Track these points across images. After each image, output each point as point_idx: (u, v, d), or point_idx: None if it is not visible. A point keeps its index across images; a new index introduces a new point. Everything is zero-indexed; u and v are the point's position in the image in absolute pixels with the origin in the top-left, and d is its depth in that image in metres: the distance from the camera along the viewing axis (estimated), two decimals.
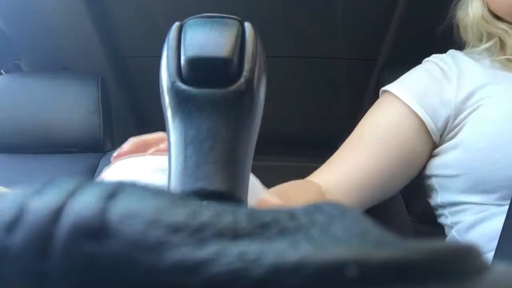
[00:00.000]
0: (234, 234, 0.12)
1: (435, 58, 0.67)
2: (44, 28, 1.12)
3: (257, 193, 0.35)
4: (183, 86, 0.22)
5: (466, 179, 0.58)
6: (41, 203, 0.12)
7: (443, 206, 0.64)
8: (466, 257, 0.12)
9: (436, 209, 0.67)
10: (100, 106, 0.99)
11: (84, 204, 0.12)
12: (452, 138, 0.60)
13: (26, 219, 0.12)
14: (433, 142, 0.62)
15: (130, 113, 1.37)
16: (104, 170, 0.36)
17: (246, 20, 0.24)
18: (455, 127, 0.60)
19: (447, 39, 0.71)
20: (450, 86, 0.61)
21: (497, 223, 0.55)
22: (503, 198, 0.55)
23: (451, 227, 0.63)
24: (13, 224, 0.12)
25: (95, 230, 0.11)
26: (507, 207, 0.54)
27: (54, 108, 0.98)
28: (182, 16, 0.26)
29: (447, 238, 0.65)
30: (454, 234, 0.62)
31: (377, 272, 0.11)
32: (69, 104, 0.98)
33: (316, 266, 0.11)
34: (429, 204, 0.68)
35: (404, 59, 0.71)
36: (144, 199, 0.12)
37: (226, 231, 0.12)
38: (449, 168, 0.60)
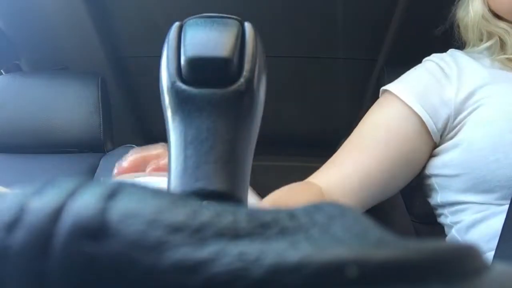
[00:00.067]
0: (234, 234, 0.12)
1: (435, 57, 0.67)
2: (44, 28, 1.12)
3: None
4: (183, 86, 0.22)
5: (466, 178, 0.58)
6: (41, 203, 0.12)
7: (443, 205, 0.64)
8: (466, 257, 0.12)
9: (436, 209, 0.67)
10: (100, 106, 0.99)
11: (84, 204, 0.12)
12: (452, 137, 0.60)
13: (26, 219, 0.12)
14: (433, 142, 0.62)
15: (130, 113, 1.37)
16: None
17: (246, 20, 0.24)
18: (455, 127, 0.60)
19: (447, 38, 0.71)
20: (450, 86, 0.61)
21: (497, 222, 0.55)
22: (503, 198, 0.55)
23: (451, 226, 0.63)
24: (13, 224, 0.12)
25: (95, 230, 0.11)
26: (507, 206, 0.54)
27: (54, 108, 0.98)
28: (182, 16, 0.26)
29: (447, 238, 0.65)
30: (454, 234, 0.62)
31: (377, 272, 0.11)
32: (69, 104, 0.98)
33: (316, 266, 0.11)
34: (429, 204, 0.68)
35: (404, 59, 0.71)
36: (144, 199, 0.12)
37: (226, 231, 0.12)
38: (449, 167, 0.60)
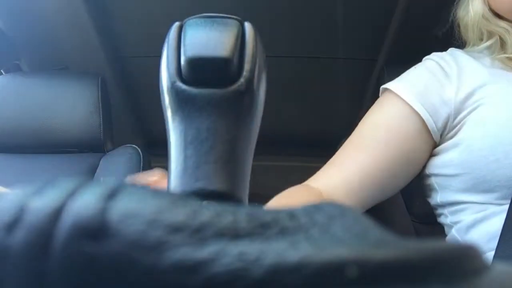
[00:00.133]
0: (234, 234, 0.12)
1: (435, 56, 0.66)
2: (44, 28, 1.12)
3: None
4: (183, 86, 0.22)
5: (466, 178, 0.58)
6: (41, 203, 0.12)
7: (443, 205, 0.64)
8: (466, 257, 0.12)
9: (436, 209, 0.67)
10: (100, 106, 0.99)
11: (84, 204, 0.12)
12: (452, 137, 0.60)
13: (26, 219, 0.12)
14: (434, 141, 0.62)
15: (130, 113, 1.37)
16: None
17: (246, 20, 0.24)
18: (455, 126, 0.60)
19: (447, 38, 0.71)
20: (450, 85, 0.61)
21: (497, 222, 0.55)
22: (503, 198, 0.55)
23: (451, 226, 0.63)
24: (13, 224, 0.12)
25: (95, 230, 0.11)
26: (507, 206, 0.54)
27: (54, 108, 0.98)
28: (182, 16, 0.26)
29: (447, 238, 0.65)
30: (454, 234, 0.62)
31: (377, 272, 0.11)
32: (69, 104, 0.98)
33: (316, 266, 0.11)
34: (429, 204, 0.68)
35: (404, 59, 0.71)
36: (144, 199, 0.12)
37: (226, 231, 0.12)
38: (449, 167, 0.60)
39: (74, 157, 0.98)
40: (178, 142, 0.23)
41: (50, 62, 1.18)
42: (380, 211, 0.68)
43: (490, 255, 0.54)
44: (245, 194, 0.23)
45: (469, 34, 0.66)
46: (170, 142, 0.23)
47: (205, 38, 0.22)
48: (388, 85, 0.65)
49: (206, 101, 0.22)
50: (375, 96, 0.69)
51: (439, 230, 0.67)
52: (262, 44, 0.25)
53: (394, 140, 0.61)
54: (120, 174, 0.91)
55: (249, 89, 0.23)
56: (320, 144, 1.25)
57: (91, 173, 0.94)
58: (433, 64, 0.65)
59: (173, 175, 0.22)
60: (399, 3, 1.01)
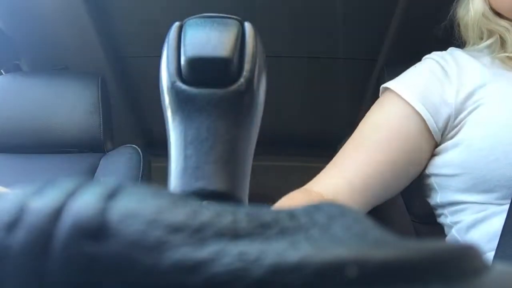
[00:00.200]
0: (234, 234, 0.12)
1: (435, 55, 0.66)
2: (44, 28, 1.12)
3: None
4: (183, 86, 0.22)
5: (466, 178, 0.58)
6: (41, 203, 0.12)
7: (443, 205, 0.64)
8: (466, 257, 0.12)
9: (436, 209, 0.66)
10: (100, 106, 0.99)
11: (84, 204, 0.12)
12: (452, 137, 0.60)
13: (26, 219, 0.12)
14: (435, 141, 0.62)
15: (130, 113, 1.37)
16: None
17: (246, 20, 0.24)
18: (455, 126, 0.60)
19: (447, 38, 0.71)
20: (451, 85, 0.61)
21: (498, 222, 0.55)
22: (503, 198, 0.55)
23: (451, 226, 0.63)
24: (13, 224, 0.12)
25: (95, 230, 0.11)
26: (507, 206, 0.54)
27: (54, 108, 0.98)
28: (182, 16, 0.26)
29: (447, 238, 0.65)
30: (454, 234, 0.62)
31: (377, 272, 0.11)
32: (69, 104, 0.98)
33: (316, 266, 0.11)
34: (429, 204, 0.68)
35: (404, 59, 0.70)
36: (144, 199, 0.12)
37: (226, 231, 0.12)
38: (449, 167, 0.60)
39: (74, 157, 0.98)
40: (178, 142, 0.23)
41: (50, 62, 1.18)
42: (380, 211, 0.68)
43: (490, 255, 0.54)
44: (245, 194, 0.23)
45: (469, 33, 0.66)
46: (170, 142, 0.23)
47: (205, 38, 0.22)
48: (389, 84, 0.65)
49: (206, 101, 0.22)
50: (375, 96, 0.69)
51: (439, 230, 0.67)
52: (262, 44, 0.25)
53: (395, 141, 0.61)
54: (120, 174, 0.91)
55: (249, 89, 0.23)
56: (320, 144, 1.25)
57: (91, 173, 0.94)
58: (433, 64, 0.64)
59: (173, 175, 0.22)
60: (399, 3, 1.01)
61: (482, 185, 0.56)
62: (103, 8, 1.08)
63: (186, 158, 0.22)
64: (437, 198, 0.64)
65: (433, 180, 0.64)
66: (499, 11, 0.63)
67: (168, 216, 0.12)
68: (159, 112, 0.25)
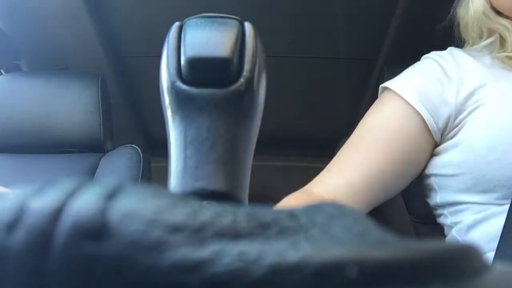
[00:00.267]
0: (234, 234, 0.12)
1: (434, 55, 0.66)
2: (44, 28, 1.12)
3: None
4: (183, 86, 0.22)
5: (466, 178, 0.57)
6: (41, 203, 0.12)
7: (442, 206, 0.63)
8: (466, 257, 0.12)
9: (435, 209, 0.66)
10: (100, 106, 0.99)
11: (84, 204, 0.12)
12: (452, 137, 0.60)
13: (26, 219, 0.12)
14: (434, 141, 0.62)
15: (130, 113, 1.37)
16: None
17: (246, 20, 0.24)
18: (455, 127, 0.60)
19: (447, 38, 0.71)
20: (450, 85, 0.61)
21: (498, 223, 0.55)
22: (503, 198, 0.55)
23: (451, 227, 0.63)
24: (13, 224, 0.12)
25: (95, 230, 0.11)
26: (507, 206, 0.54)
27: (54, 108, 0.98)
28: (182, 16, 0.26)
29: (447, 238, 0.65)
30: (454, 234, 0.62)
31: (377, 272, 0.11)
32: (69, 104, 0.98)
33: (316, 266, 0.11)
34: (429, 204, 0.68)
35: (404, 59, 0.70)
36: (144, 199, 0.12)
37: (226, 231, 0.12)
38: (448, 167, 0.60)
39: (74, 157, 0.98)
40: (178, 142, 0.23)
41: (50, 62, 1.18)
42: (380, 211, 0.68)
43: (490, 255, 0.54)
44: (245, 194, 0.23)
45: (469, 32, 0.66)
46: (170, 142, 0.23)
47: (205, 38, 0.22)
48: (388, 84, 0.65)
49: (206, 101, 0.22)
50: (375, 96, 0.69)
51: (439, 230, 0.67)
52: (262, 44, 0.25)
53: (395, 141, 0.61)
54: (120, 174, 0.91)
55: (249, 89, 0.23)
56: (320, 144, 1.25)
57: (91, 173, 0.94)
58: (432, 63, 0.64)
59: (173, 175, 0.22)
60: (399, 3, 1.01)
61: (482, 185, 0.56)
62: (103, 8, 1.08)
63: (186, 158, 0.22)
64: (436, 198, 0.64)
65: (432, 180, 0.64)
66: (499, 9, 0.62)
67: (168, 216, 0.12)
68: (159, 112, 0.25)
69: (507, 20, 0.62)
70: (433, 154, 0.63)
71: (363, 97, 1.26)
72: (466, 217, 0.59)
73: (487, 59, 0.63)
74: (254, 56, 0.23)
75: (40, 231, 0.11)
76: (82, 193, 0.12)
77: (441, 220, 0.66)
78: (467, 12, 0.65)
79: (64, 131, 0.97)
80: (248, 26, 0.24)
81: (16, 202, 0.12)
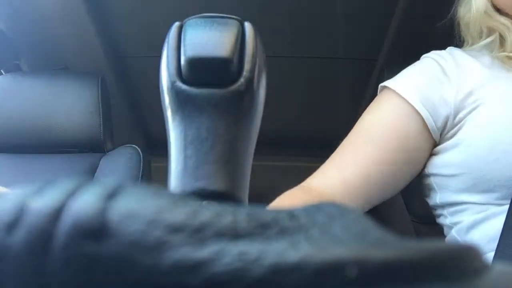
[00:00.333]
0: (234, 234, 0.12)
1: (434, 54, 0.66)
2: (44, 28, 1.12)
3: None
4: (183, 86, 0.22)
5: (465, 178, 0.57)
6: (41, 203, 0.12)
7: (442, 206, 0.63)
8: (465, 257, 0.12)
9: (435, 209, 0.66)
10: (100, 106, 0.99)
11: (84, 204, 0.12)
12: (451, 137, 0.60)
13: (26, 219, 0.12)
14: (434, 140, 0.62)
15: (130, 113, 1.37)
16: None
17: (246, 20, 0.24)
18: (454, 126, 0.60)
19: (447, 38, 0.71)
20: (450, 85, 0.61)
21: (498, 223, 0.55)
22: (503, 198, 0.55)
23: (450, 227, 0.63)
24: (13, 224, 0.12)
25: (95, 230, 0.11)
26: (507, 206, 0.54)
27: (54, 108, 0.98)
28: (182, 16, 0.26)
29: (447, 239, 0.65)
30: (454, 235, 0.62)
31: (377, 272, 0.11)
32: (69, 104, 0.98)
33: (316, 266, 0.11)
34: (429, 204, 0.68)
35: (404, 59, 0.70)
36: (144, 199, 0.12)
37: (226, 231, 0.12)
38: (448, 167, 0.60)
39: (74, 157, 0.98)
40: (178, 142, 0.23)
41: (50, 62, 1.18)
42: (380, 211, 0.68)
43: (490, 255, 0.54)
44: (245, 194, 0.23)
45: (470, 31, 0.66)
46: (170, 142, 0.23)
47: (205, 38, 0.22)
48: (387, 83, 0.64)
49: (206, 101, 0.22)
50: (375, 96, 0.68)
51: (439, 230, 0.67)
52: (262, 44, 0.25)
53: (394, 140, 0.60)
54: (120, 174, 0.91)
55: (249, 89, 0.23)
56: (320, 144, 1.25)
57: (91, 173, 0.94)
58: (432, 63, 0.64)
59: (173, 175, 0.22)
60: (399, 3, 1.01)
61: (482, 185, 0.56)
62: (103, 8, 1.08)
63: (186, 158, 0.22)
64: (436, 198, 0.64)
65: (432, 180, 0.63)
66: (501, 7, 0.62)
67: (168, 216, 0.12)
68: (159, 112, 0.25)
69: (507, 18, 0.62)
70: (432, 154, 0.63)
71: (363, 97, 1.26)
72: (466, 217, 0.59)
73: (486, 59, 0.63)
74: (254, 56, 0.23)
75: (40, 231, 0.11)
76: (82, 193, 0.12)
77: (440, 220, 0.66)
78: (468, 10, 0.65)
79: (64, 131, 0.97)
80: (248, 26, 0.24)
81: (16, 202, 0.12)
